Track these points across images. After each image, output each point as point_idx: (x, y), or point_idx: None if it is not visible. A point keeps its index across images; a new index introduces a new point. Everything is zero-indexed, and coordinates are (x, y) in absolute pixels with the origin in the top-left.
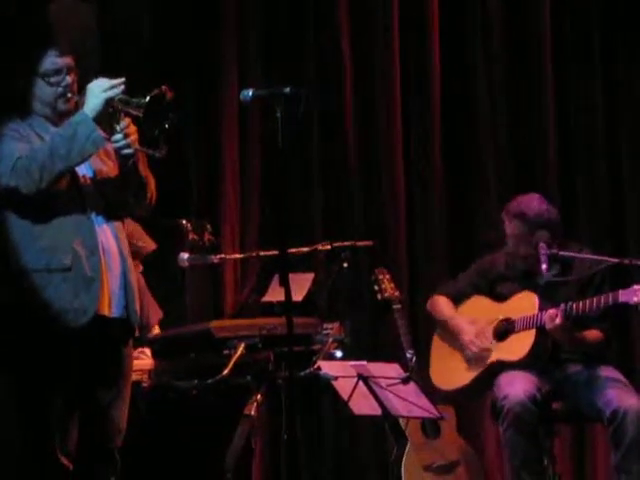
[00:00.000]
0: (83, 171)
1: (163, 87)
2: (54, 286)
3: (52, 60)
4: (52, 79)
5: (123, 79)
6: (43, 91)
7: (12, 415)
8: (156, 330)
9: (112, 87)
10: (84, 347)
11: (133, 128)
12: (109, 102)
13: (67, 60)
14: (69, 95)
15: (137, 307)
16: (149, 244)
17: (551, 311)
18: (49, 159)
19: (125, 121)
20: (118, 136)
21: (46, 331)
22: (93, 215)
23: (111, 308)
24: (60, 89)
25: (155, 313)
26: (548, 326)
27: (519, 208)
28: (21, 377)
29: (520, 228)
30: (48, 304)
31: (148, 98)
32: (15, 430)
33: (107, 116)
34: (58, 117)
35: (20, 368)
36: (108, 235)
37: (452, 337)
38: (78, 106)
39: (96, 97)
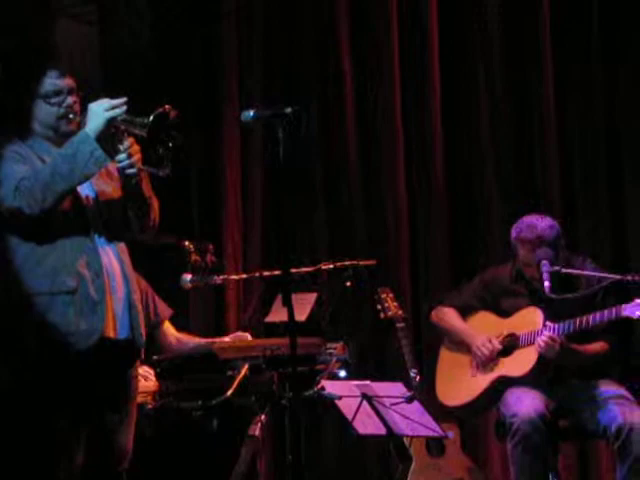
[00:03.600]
0: (86, 192)
1: (167, 106)
2: (59, 309)
3: (52, 81)
4: (53, 100)
5: (125, 99)
6: (44, 112)
7: (17, 438)
8: (168, 326)
9: (114, 107)
10: (90, 369)
11: (136, 147)
12: (111, 122)
13: (68, 81)
14: (71, 116)
15: (142, 329)
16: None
17: (545, 338)
18: (51, 179)
19: (128, 141)
20: (121, 156)
21: (51, 354)
22: (96, 237)
23: (116, 330)
24: (62, 110)
25: (165, 309)
26: (541, 349)
27: (522, 233)
28: (27, 400)
29: (524, 253)
30: (53, 327)
31: (152, 117)
32: (20, 453)
33: (110, 136)
34: (60, 138)
35: (26, 391)
36: (111, 257)
37: (460, 347)
38: (80, 127)
39: (98, 117)
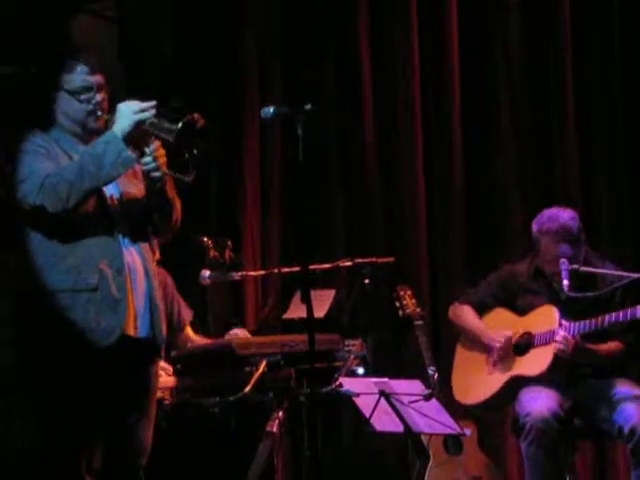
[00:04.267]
0: (110, 192)
1: (195, 115)
2: (80, 306)
3: (83, 77)
4: (82, 96)
5: (154, 103)
6: (72, 108)
7: (38, 434)
8: (188, 330)
9: (143, 110)
10: (111, 366)
11: (162, 151)
12: (140, 124)
13: (98, 78)
14: (99, 114)
15: (163, 327)
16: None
17: (559, 338)
18: (78, 178)
19: (155, 144)
20: (148, 158)
21: (73, 351)
22: (120, 236)
23: (137, 328)
24: (90, 106)
25: (187, 313)
26: (558, 349)
27: (545, 224)
28: (48, 396)
29: (547, 245)
30: (74, 324)
31: (180, 124)
32: (41, 449)
33: (137, 138)
34: (87, 135)
35: (47, 388)
36: (134, 255)
37: (476, 345)
38: (108, 125)
39: (127, 118)
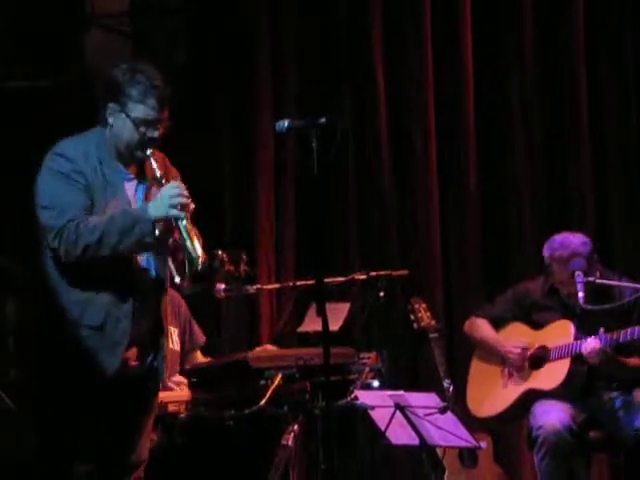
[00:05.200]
0: None
1: (221, 254)
2: (82, 340)
3: (150, 112)
4: (141, 128)
5: (192, 205)
6: (127, 134)
7: (36, 452)
8: (198, 354)
9: (180, 203)
10: (106, 397)
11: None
12: (171, 218)
13: (163, 115)
14: (149, 152)
15: (166, 372)
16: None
17: (590, 341)
18: (97, 243)
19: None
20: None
21: (71, 378)
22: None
23: (136, 361)
24: (145, 139)
25: (200, 336)
26: (588, 356)
27: (557, 251)
28: (45, 418)
29: (559, 270)
30: (74, 355)
31: (201, 262)
32: (37, 464)
33: (165, 225)
34: (129, 159)
35: (44, 409)
36: (149, 294)
37: (492, 358)
38: (150, 161)
39: (164, 206)
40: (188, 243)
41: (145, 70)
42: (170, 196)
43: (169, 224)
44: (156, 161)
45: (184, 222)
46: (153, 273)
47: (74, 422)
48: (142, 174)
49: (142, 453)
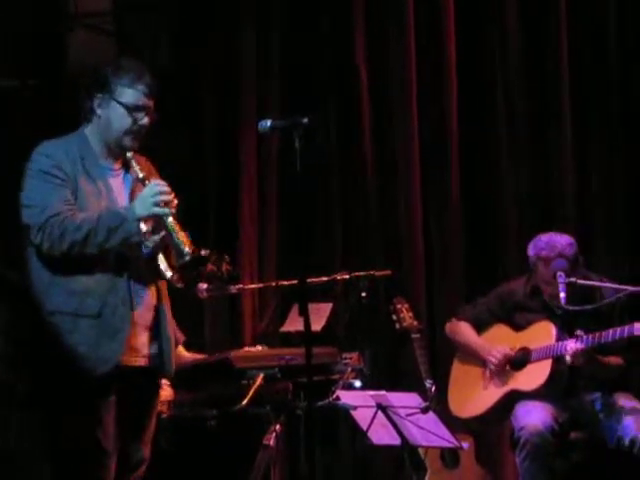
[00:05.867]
0: None
1: (210, 257)
2: (81, 331)
3: (141, 97)
4: (133, 114)
5: (175, 201)
6: (120, 121)
7: (44, 449)
8: (181, 349)
9: (164, 201)
10: (105, 391)
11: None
12: (155, 216)
13: (151, 102)
14: (135, 143)
15: (173, 358)
16: None
17: (571, 343)
18: (83, 240)
19: (161, 234)
20: (148, 243)
21: (69, 373)
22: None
23: (137, 357)
24: (136, 127)
25: (180, 336)
26: (570, 357)
27: (543, 251)
28: (51, 414)
29: (543, 270)
30: (72, 348)
31: (188, 258)
32: (45, 463)
33: (152, 220)
34: (117, 149)
35: (50, 405)
36: (146, 287)
37: (473, 359)
38: (132, 163)
39: (147, 205)
40: (175, 238)
41: (131, 60)
42: (153, 194)
43: (156, 222)
44: (138, 163)
45: (169, 219)
46: (147, 259)
47: (80, 417)
48: (127, 168)
49: (145, 451)
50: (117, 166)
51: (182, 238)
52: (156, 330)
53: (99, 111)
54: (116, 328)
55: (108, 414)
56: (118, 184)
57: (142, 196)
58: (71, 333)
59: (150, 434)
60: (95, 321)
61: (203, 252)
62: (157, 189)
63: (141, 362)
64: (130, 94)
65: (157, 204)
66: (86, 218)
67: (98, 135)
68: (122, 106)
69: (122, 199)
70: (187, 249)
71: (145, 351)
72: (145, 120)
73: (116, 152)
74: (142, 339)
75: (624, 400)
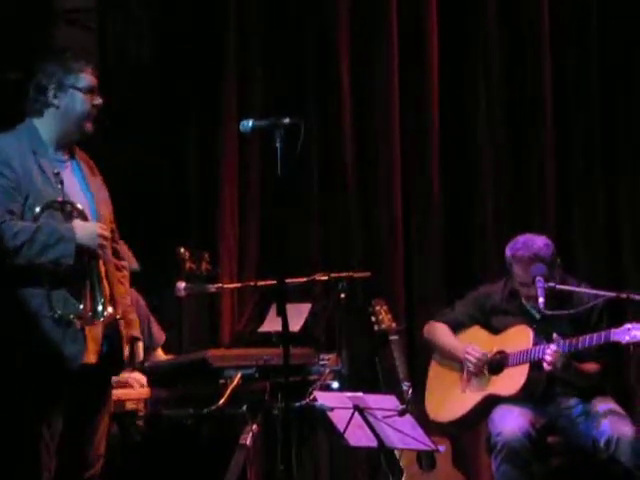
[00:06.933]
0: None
1: None
2: (46, 331)
3: (91, 78)
4: (90, 95)
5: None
6: (81, 105)
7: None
8: (159, 352)
9: (101, 247)
10: (70, 386)
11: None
12: (91, 250)
13: (97, 81)
14: (89, 125)
15: (126, 351)
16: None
17: (549, 348)
18: (17, 249)
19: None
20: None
21: (35, 370)
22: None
23: (96, 355)
24: (94, 108)
25: (160, 335)
26: (547, 363)
27: (519, 251)
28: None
29: (519, 271)
30: (39, 347)
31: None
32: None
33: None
34: (77, 136)
35: (10, 398)
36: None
37: (450, 362)
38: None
39: (90, 238)
40: (96, 285)
41: (67, 49)
42: (99, 234)
43: (88, 255)
44: (80, 159)
45: (99, 262)
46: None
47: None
48: (74, 155)
49: (99, 448)
50: (66, 157)
51: (104, 290)
52: (109, 327)
53: (56, 102)
54: (76, 330)
55: (58, 410)
56: (69, 175)
57: (88, 226)
58: (36, 332)
59: (104, 430)
60: (57, 323)
61: (111, 310)
62: (104, 233)
63: (92, 359)
64: (83, 78)
65: (97, 243)
66: (23, 228)
67: (54, 126)
68: (80, 91)
69: (76, 190)
70: (102, 308)
71: (105, 346)
72: (99, 100)
73: (66, 142)
74: (98, 336)
75: (601, 405)
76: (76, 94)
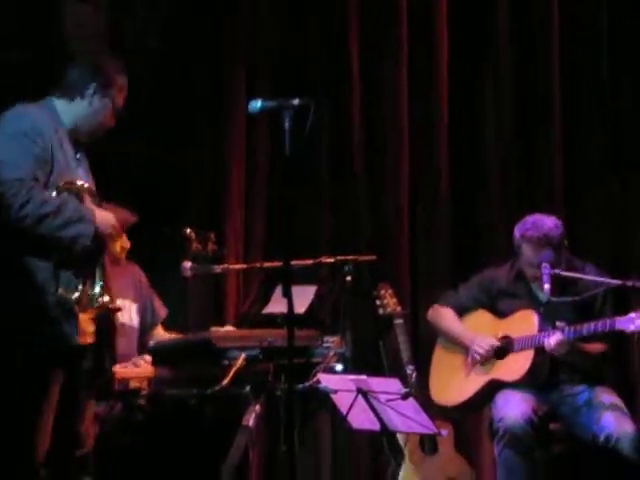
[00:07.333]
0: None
1: None
2: (48, 307)
3: (123, 99)
4: (113, 115)
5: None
6: (105, 118)
7: None
8: (159, 329)
9: (110, 237)
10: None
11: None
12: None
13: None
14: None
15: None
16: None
17: (554, 335)
18: (42, 217)
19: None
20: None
21: (30, 345)
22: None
23: (92, 336)
24: (110, 126)
25: (161, 311)
26: (552, 349)
27: (528, 231)
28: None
29: (528, 251)
30: (39, 321)
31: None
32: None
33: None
34: (84, 137)
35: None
36: None
37: (455, 346)
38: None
39: (106, 225)
40: (98, 274)
41: (122, 65)
42: (113, 224)
43: (97, 242)
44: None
45: (105, 252)
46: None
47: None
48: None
49: (89, 427)
50: (72, 143)
51: (104, 279)
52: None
53: (92, 99)
54: (68, 310)
55: (55, 387)
56: (75, 160)
57: (105, 214)
58: (35, 307)
59: (92, 408)
60: (57, 302)
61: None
62: (115, 223)
63: (88, 340)
64: (120, 100)
65: (109, 232)
66: (51, 199)
67: (76, 117)
68: (112, 106)
69: (80, 177)
70: (98, 296)
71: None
72: (114, 122)
73: (74, 136)
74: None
75: (605, 396)
76: (109, 106)
